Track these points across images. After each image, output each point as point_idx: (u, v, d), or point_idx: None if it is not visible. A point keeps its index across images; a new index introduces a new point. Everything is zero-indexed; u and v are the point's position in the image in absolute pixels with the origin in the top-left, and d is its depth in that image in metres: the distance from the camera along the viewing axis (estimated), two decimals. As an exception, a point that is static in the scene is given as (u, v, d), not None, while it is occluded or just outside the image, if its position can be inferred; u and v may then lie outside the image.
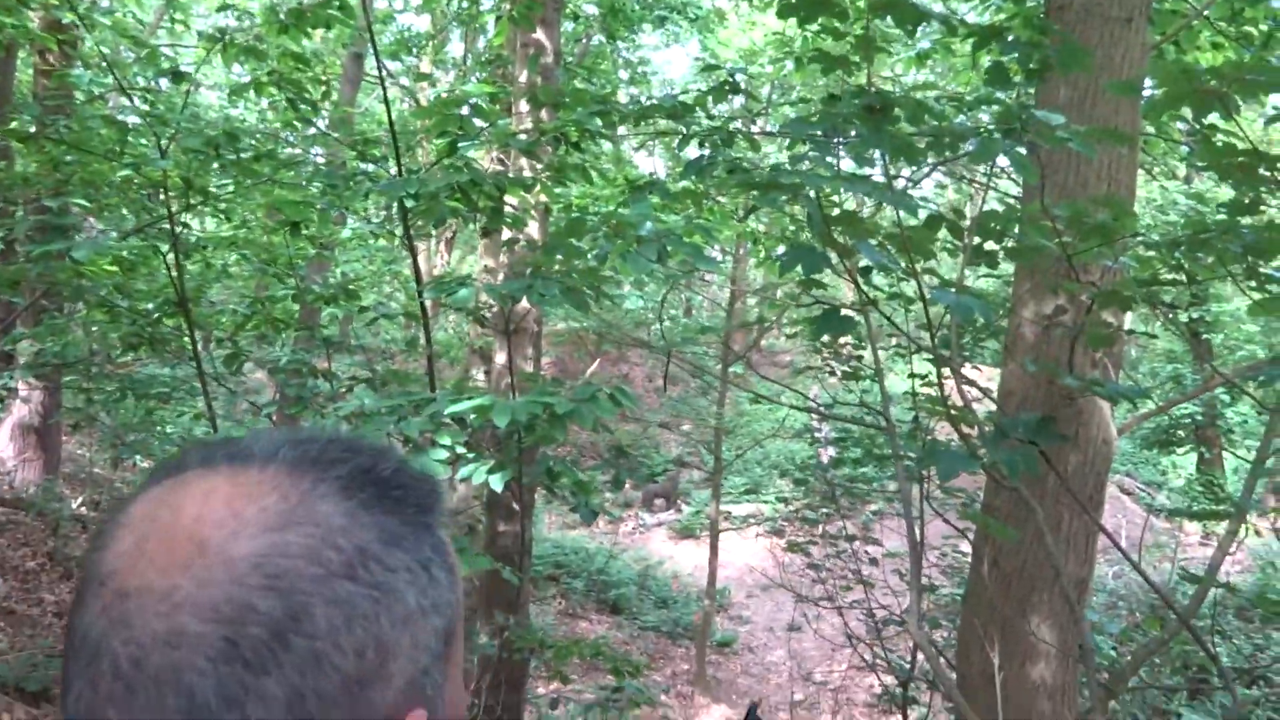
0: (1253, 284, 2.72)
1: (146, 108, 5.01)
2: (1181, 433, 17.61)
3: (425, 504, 0.63)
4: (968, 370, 4.18)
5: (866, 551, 7.57)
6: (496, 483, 3.62)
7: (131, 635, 0.52)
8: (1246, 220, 2.80)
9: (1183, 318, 14.66)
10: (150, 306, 5.39)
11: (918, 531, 3.70)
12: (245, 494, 0.56)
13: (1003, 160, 3.16)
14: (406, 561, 0.58)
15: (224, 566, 0.53)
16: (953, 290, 3.16)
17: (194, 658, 0.51)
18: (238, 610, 0.52)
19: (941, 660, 4.35)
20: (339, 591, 0.54)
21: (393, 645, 0.56)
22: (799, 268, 3.07)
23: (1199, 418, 16.72)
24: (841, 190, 3.45)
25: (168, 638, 0.51)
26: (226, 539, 0.54)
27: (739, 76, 4.14)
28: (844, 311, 3.30)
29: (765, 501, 17.40)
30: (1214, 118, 2.83)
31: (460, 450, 3.78)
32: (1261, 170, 2.48)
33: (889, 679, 6.88)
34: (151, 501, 0.57)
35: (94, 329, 6.09)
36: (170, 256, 4.98)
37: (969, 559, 4.35)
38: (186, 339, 5.21)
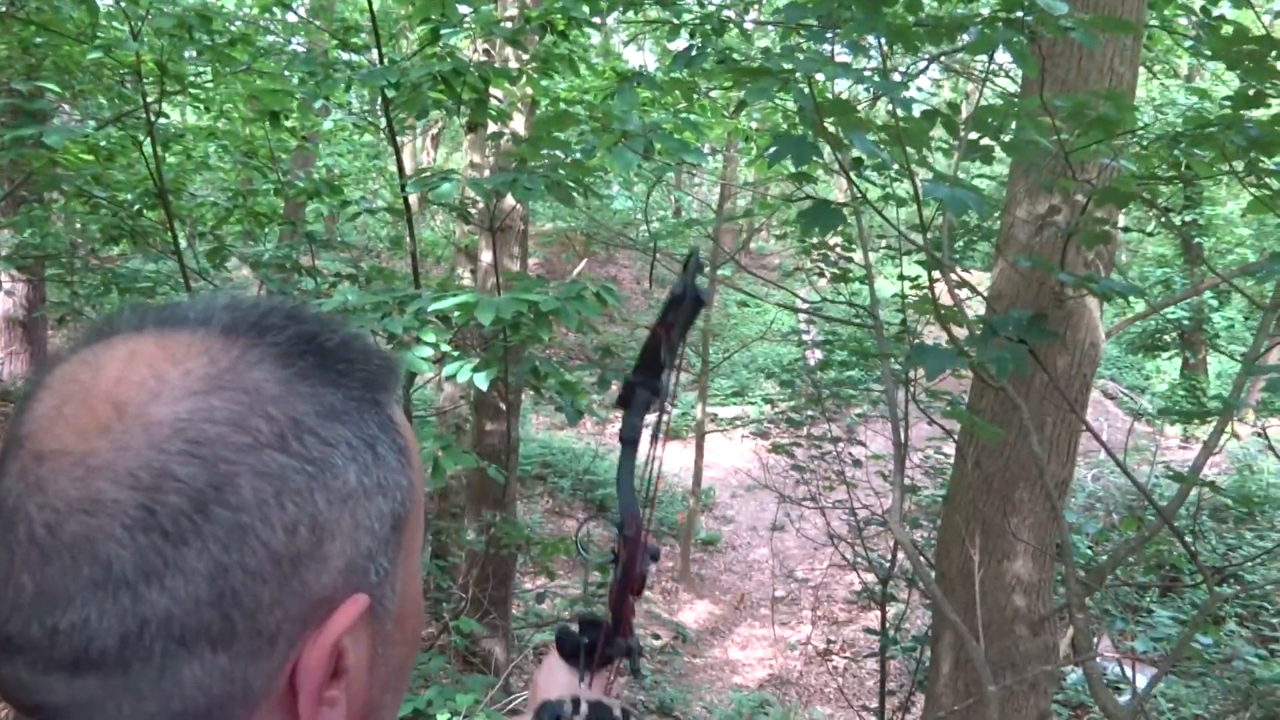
0: (1253, 180, 2.67)
1: (117, -12, 4.81)
2: (1167, 337, 17.70)
3: (374, 379, 0.59)
4: (958, 273, 4.13)
5: (850, 453, 7.61)
6: (482, 381, 3.59)
7: (46, 500, 0.49)
8: (1251, 114, 2.73)
9: (1176, 220, 14.58)
10: (130, 198, 5.27)
11: (902, 432, 3.71)
12: (170, 356, 0.53)
13: (1002, 56, 3.08)
14: (347, 437, 0.55)
15: (143, 430, 0.49)
16: (947, 185, 3.11)
17: (111, 525, 0.48)
18: (156, 477, 0.48)
19: (921, 558, 4.41)
20: (268, 462, 0.51)
21: (329, 524, 0.53)
22: (788, 160, 3.02)
23: (1185, 322, 16.77)
24: (835, 80, 3.37)
25: (84, 504, 0.48)
26: (146, 401, 0.50)
27: (732, -39, 3.99)
28: (835, 205, 3.25)
29: (751, 404, 17.45)
30: (1224, 7, 2.74)
31: (445, 348, 3.75)
32: (1272, 57, 2.40)
33: (869, 577, 7.01)
34: (75, 363, 0.54)
35: (74, 222, 5.98)
36: (148, 146, 4.85)
37: (952, 460, 4.38)
38: (168, 233, 5.11)
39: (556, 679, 1.12)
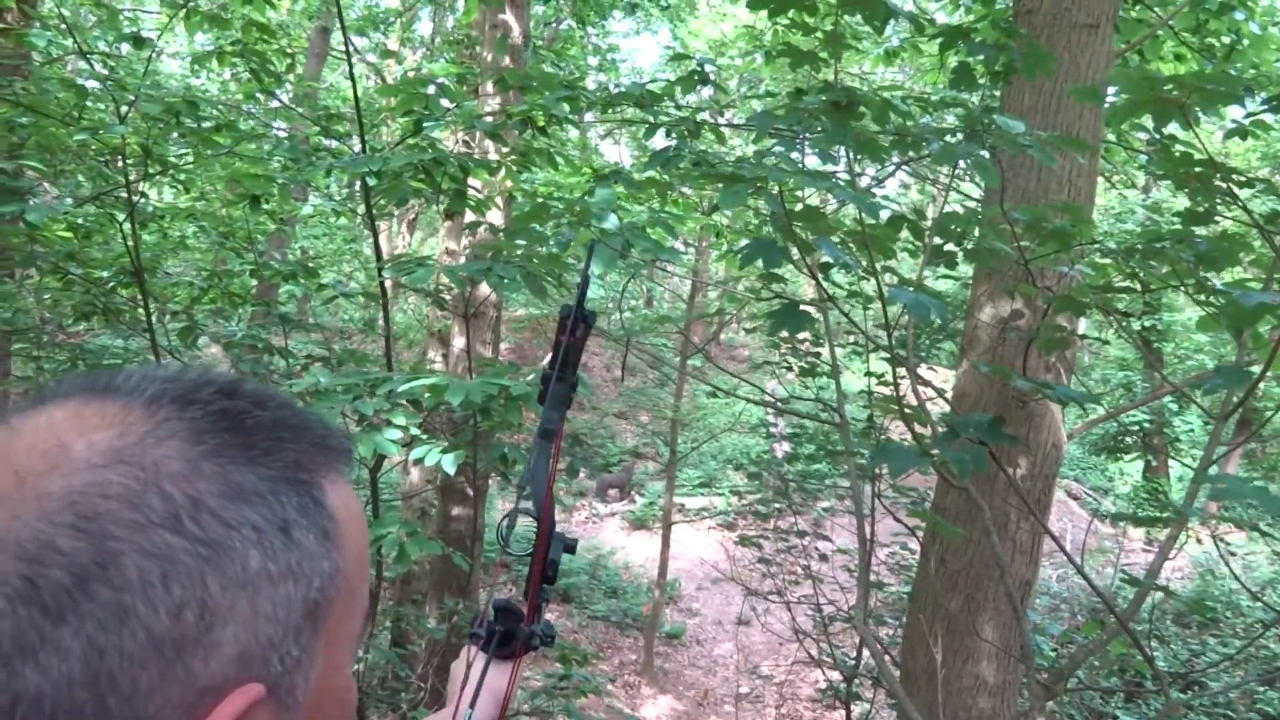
0: (1202, 297, 2.77)
1: (106, 72, 4.91)
2: (1129, 440, 17.92)
3: (303, 460, 0.57)
4: (924, 371, 4.22)
5: (817, 548, 7.63)
6: (449, 464, 3.59)
7: None
8: (1200, 230, 2.85)
9: (1135, 326, 14.90)
10: (105, 275, 5.29)
11: (868, 528, 3.74)
12: (80, 426, 0.52)
13: (966, 165, 3.19)
14: (254, 519, 0.53)
15: (36, 501, 0.49)
16: (911, 289, 3.20)
17: None
18: (41, 549, 0.47)
19: (886, 657, 4.40)
20: (157, 542, 0.49)
21: (220, 609, 0.50)
22: (759, 261, 3.10)
23: (1147, 425, 17.01)
24: (805, 186, 3.48)
25: None
26: (45, 472, 0.50)
27: (708, 67, 4.14)
28: (802, 307, 3.32)
29: (719, 495, 17.42)
30: (1174, 128, 2.87)
31: (415, 431, 3.75)
32: (1217, 180, 2.52)
33: (834, 674, 6.95)
34: (3, 430, 0.53)
35: (46, 296, 5.97)
36: (126, 225, 4.89)
37: (918, 557, 4.40)
38: (140, 310, 5.12)
39: (466, 670, 1.16)
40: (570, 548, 1.15)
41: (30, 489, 0.49)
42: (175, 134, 4.74)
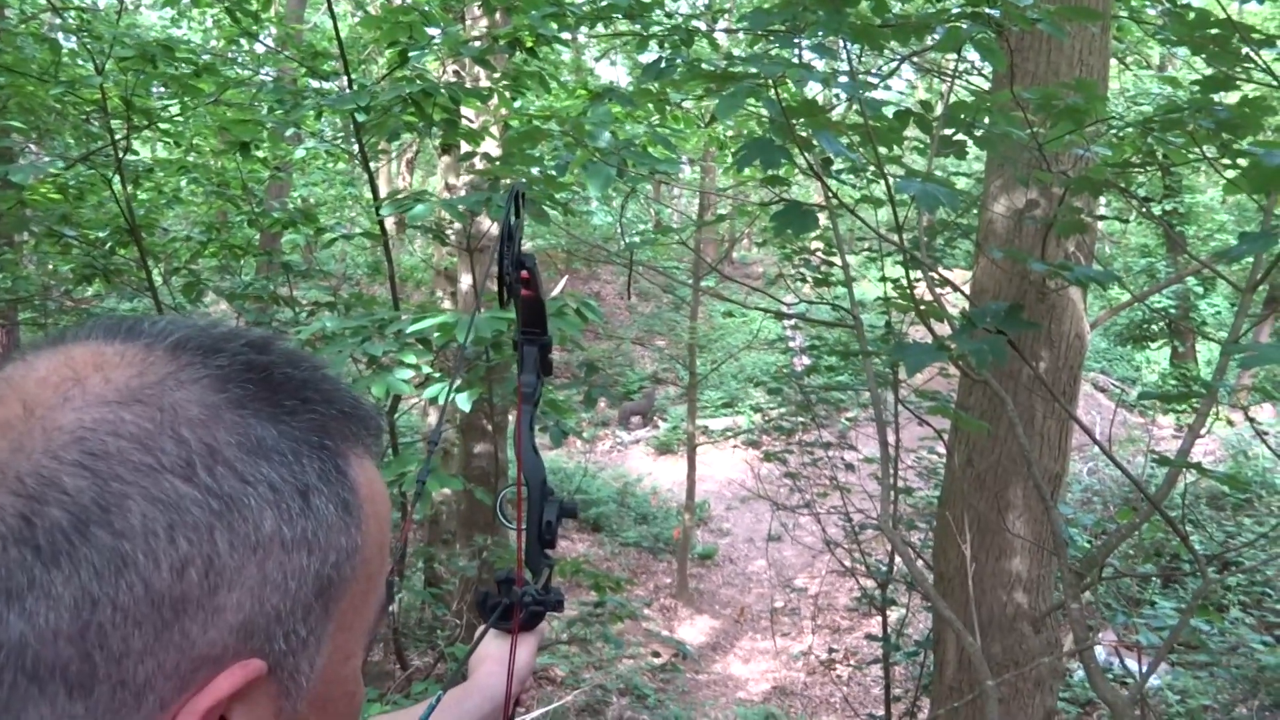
0: (1226, 162, 2.64)
1: (79, 24, 4.78)
2: (1155, 327, 17.74)
3: (328, 425, 0.53)
4: (940, 272, 4.11)
5: (842, 458, 7.56)
6: (464, 402, 3.55)
7: None
8: (1219, 97, 2.71)
9: (1156, 210, 14.62)
10: (101, 235, 5.22)
11: (890, 434, 3.67)
12: (98, 364, 0.49)
13: (973, 54, 3.05)
14: (272, 478, 0.49)
15: (43, 434, 0.45)
16: (918, 180, 3.08)
17: None
18: (42, 485, 0.44)
19: (918, 560, 4.37)
20: (166, 489, 0.45)
21: (228, 570, 0.46)
22: (758, 163, 3.00)
23: (1172, 310, 16.82)
24: (806, 84, 3.35)
25: None
26: (56, 405, 0.46)
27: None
28: (806, 207, 3.22)
29: (741, 414, 17.29)
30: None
31: (427, 370, 3.71)
32: (1235, 42, 2.38)
33: (868, 582, 6.96)
34: (18, 363, 0.50)
35: (48, 264, 5.92)
36: (117, 184, 4.81)
37: (944, 460, 4.34)
38: (141, 270, 5.06)
39: (486, 648, 1.15)
40: (570, 511, 1.09)
41: (38, 421, 0.46)
42: (157, 84, 4.63)
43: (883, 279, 4.34)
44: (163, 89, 4.90)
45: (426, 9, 4.70)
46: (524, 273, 1.02)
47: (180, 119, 5.47)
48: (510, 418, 7.99)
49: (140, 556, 0.44)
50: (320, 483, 0.51)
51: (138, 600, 0.44)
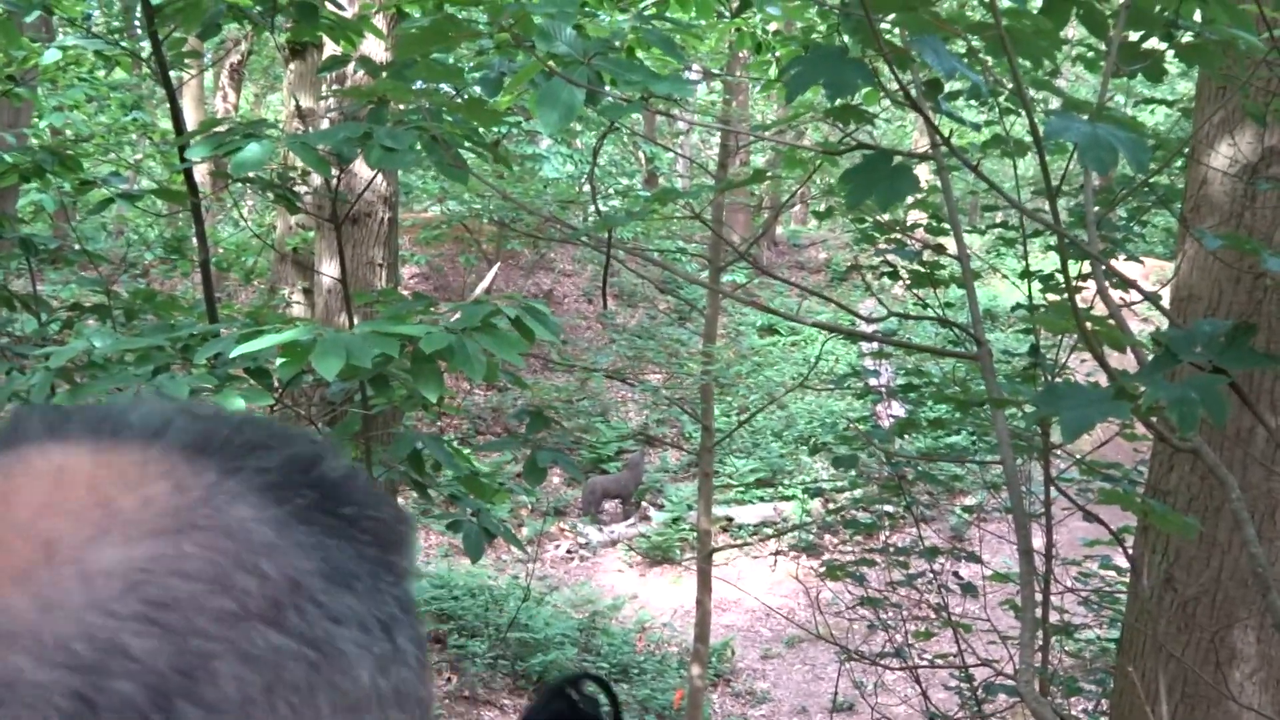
0: None
1: None
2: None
3: (388, 536, 0.42)
4: (1121, 264, 3.30)
5: (957, 574, 5.41)
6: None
7: None
8: None
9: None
10: None
11: (1036, 536, 2.70)
12: (118, 478, 0.38)
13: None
14: (360, 613, 0.38)
15: (82, 582, 0.34)
16: (1084, 118, 2.07)
17: None
18: (100, 653, 0.33)
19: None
20: (258, 643, 0.35)
21: None
22: (820, 87, 2.26)
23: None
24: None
25: None
26: (88, 541, 0.35)
27: None
28: (899, 159, 2.33)
29: (789, 497, 11.89)
30: None
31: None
32: None
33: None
34: None
35: None
36: None
37: (1127, 580, 3.70)
38: None
39: None
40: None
41: (69, 564, 0.35)
42: None
43: (1025, 275, 3.37)
44: None
45: None
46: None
47: None
48: (402, 499, 6.63)
49: None
50: (401, 612, 0.42)
51: None
